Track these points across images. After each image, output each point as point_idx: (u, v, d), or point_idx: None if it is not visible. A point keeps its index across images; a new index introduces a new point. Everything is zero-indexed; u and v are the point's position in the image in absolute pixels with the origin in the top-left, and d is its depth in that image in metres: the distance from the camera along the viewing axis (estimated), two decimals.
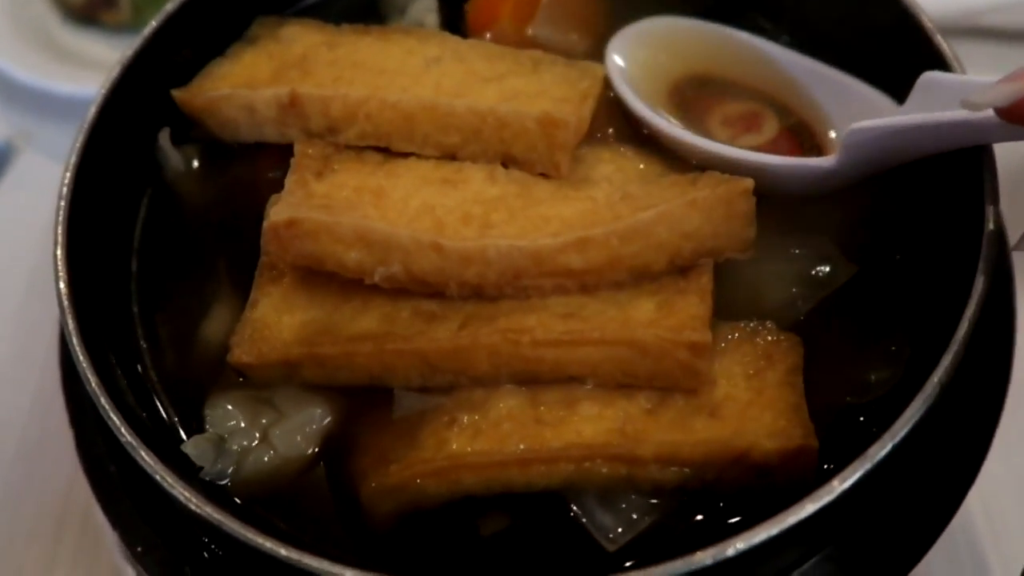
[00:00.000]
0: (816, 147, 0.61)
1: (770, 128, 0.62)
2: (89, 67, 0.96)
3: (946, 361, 0.45)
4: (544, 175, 0.56)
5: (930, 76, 0.52)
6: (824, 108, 0.62)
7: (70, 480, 0.76)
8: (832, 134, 0.61)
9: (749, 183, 0.53)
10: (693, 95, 0.64)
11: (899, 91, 0.56)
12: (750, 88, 0.64)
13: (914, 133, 0.50)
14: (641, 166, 0.59)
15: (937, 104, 0.50)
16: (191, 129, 0.64)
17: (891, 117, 0.53)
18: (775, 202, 0.56)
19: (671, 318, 0.50)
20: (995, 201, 0.51)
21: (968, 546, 0.66)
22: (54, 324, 0.61)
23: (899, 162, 0.54)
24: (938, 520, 0.50)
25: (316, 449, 0.52)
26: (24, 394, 0.80)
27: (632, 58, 0.64)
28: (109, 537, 0.65)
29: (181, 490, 0.44)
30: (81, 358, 0.49)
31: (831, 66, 0.62)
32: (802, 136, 0.62)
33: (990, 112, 0.45)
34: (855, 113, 0.58)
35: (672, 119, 0.61)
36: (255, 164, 0.63)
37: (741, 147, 0.58)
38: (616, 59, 0.63)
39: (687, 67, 0.65)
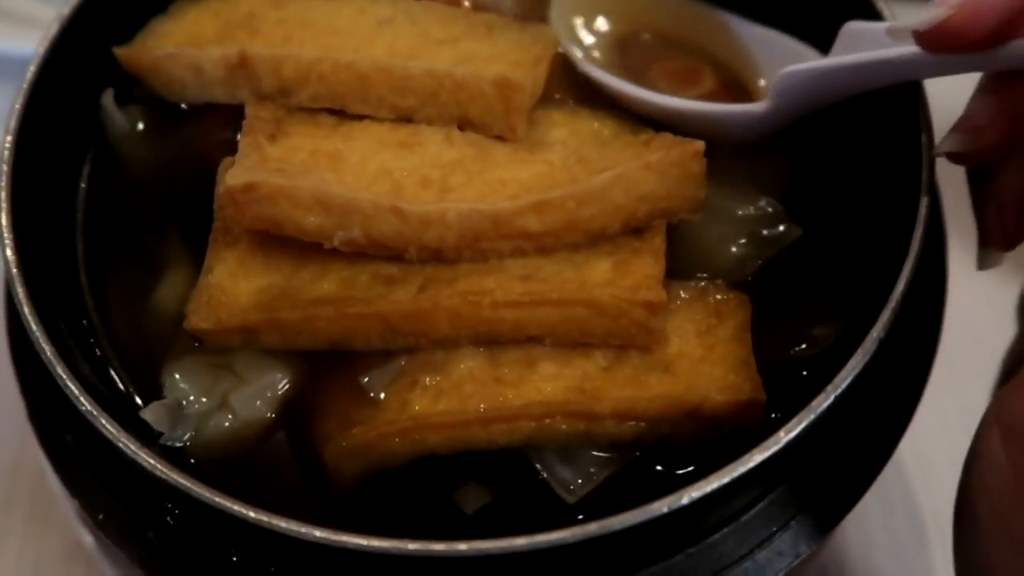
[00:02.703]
0: (749, 101, 0.63)
1: (707, 83, 0.65)
2: (15, 22, 0.92)
3: (884, 317, 0.47)
4: (500, 138, 0.57)
5: (852, 26, 0.56)
6: (755, 64, 0.65)
7: (17, 450, 0.74)
8: (762, 83, 0.65)
9: (700, 145, 0.54)
10: (633, 51, 0.67)
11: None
12: (688, 44, 0.67)
13: (841, 74, 0.53)
14: (594, 127, 0.60)
15: (860, 47, 0.54)
16: (134, 87, 0.62)
17: (816, 61, 0.56)
18: (723, 163, 0.58)
19: (627, 278, 0.52)
20: (931, 159, 0.53)
21: (899, 487, 0.70)
22: None
23: (828, 103, 0.57)
24: (876, 461, 0.53)
25: (277, 413, 0.53)
26: None
27: (574, 16, 0.66)
28: (65, 506, 0.65)
29: (145, 457, 0.44)
30: (34, 327, 0.48)
31: (760, 23, 0.65)
32: (736, 91, 0.65)
33: (914, 48, 0.48)
34: (784, 66, 0.61)
35: (614, 74, 0.63)
36: (203, 125, 0.61)
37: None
38: (559, 17, 0.64)
39: (627, 24, 0.68)
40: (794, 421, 0.45)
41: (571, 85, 0.63)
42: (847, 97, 0.56)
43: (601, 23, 0.66)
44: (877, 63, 0.51)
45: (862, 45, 0.53)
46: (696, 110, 0.59)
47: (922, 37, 0.46)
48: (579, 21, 0.65)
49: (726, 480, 0.43)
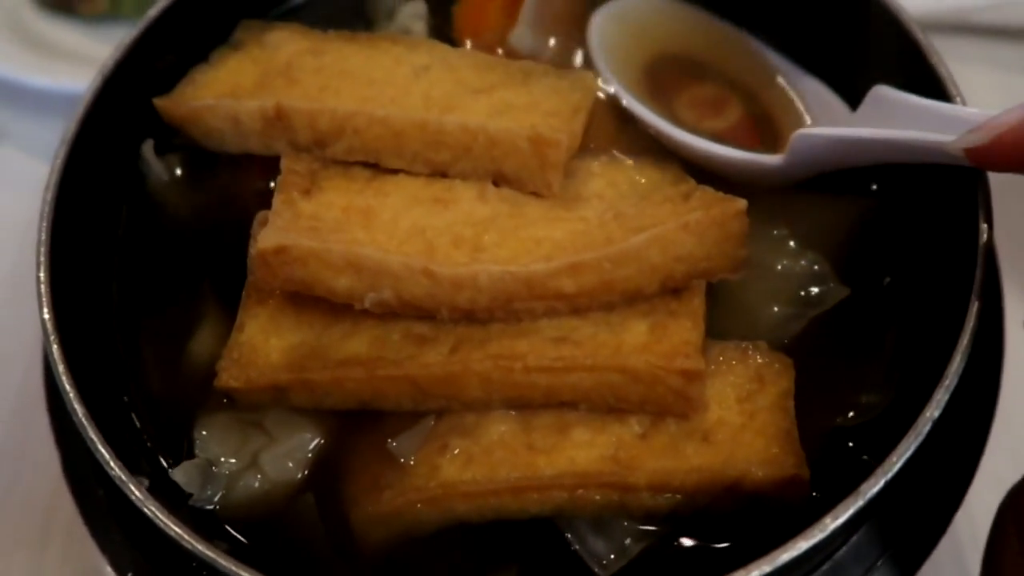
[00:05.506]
0: (774, 136, 0.63)
1: (733, 114, 0.64)
2: (65, 59, 0.93)
3: (939, 396, 0.45)
4: (535, 193, 0.56)
5: (880, 90, 0.55)
6: (784, 101, 0.64)
7: (55, 486, 0.74)
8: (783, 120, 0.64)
9: (742, 204, 0.53)
10: (665, 72, 0.66)
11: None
12: (720, 71, 0.66)
13: (853, 145, 0.54)
14: (632, 177, 0.58)
15: (884, 116, 0.53)
16: (174, 136, 0.63)
17: (833, 128, 0.56)
18: (768, 218, 0.56)
19: (663, 343, 0.50)
20: (989, 225, 0.51)
21: (952, 557, 0.67)
22: (36, 324, 0.60)
23: (848, 166, 0.56)
24: (927, 541, 0.50)
25: (306, 473, 0.52)
26: (4, 398, 0.78)
27: (609, 34, 0.65)
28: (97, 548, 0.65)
29: (173, 526, 0.44)
30: (68, 388, 0.48)
31: (796, 63, 0.65)
32: (762, 125, 0.64)
33: (925, 136, 0.48)
34: (811, 110, 0.63)
35: (641, 95, 0.62)
36: (241, 175, 0.62)
37: (704, 130, 0.61)
38: (594, 35, 0.64)
39: (662, 45, 0.67)
40: (841, 507, 0.43)
41: (610, 132, 0.62)
42: (868, 164, 0.55)
43: (635, 39, 0.66)
44: (888, 142, 0.50)
45: (888, 111, 0.52)
46: (712, 152, 0.58)
47: (968, 155, 0.45)
48: (613, 36, 0.65)
49: (768, 569, 0.41)
